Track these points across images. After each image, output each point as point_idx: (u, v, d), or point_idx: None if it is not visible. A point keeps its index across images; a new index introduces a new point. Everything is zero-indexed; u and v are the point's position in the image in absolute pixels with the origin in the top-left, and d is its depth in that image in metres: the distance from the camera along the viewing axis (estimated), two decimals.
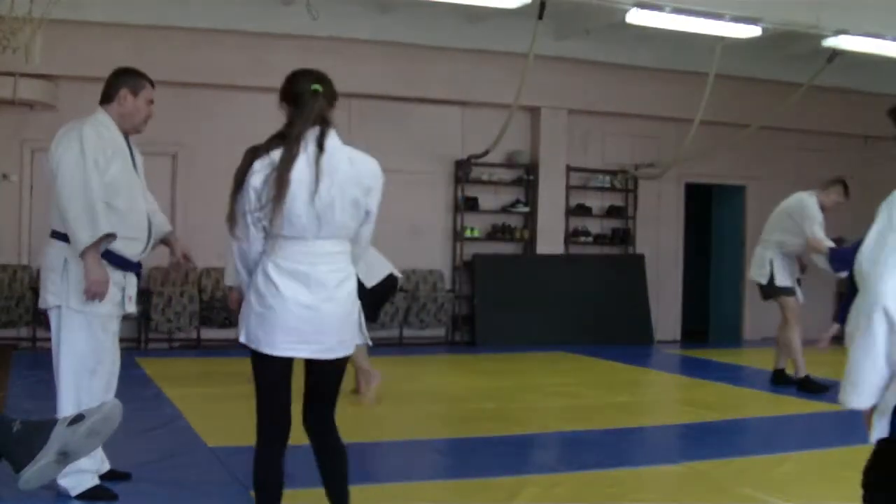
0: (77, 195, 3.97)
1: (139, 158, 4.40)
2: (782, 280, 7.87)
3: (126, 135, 4.29)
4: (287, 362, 3.32)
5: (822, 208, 7.78)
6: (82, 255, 3.99)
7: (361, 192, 3.39)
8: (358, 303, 3.46)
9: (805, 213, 7.74)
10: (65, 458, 2.94)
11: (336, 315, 3.30)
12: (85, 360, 4.09)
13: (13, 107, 9.65)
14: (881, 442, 2.44)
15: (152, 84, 4.37)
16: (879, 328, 2.32)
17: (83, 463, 3.81)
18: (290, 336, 3.25)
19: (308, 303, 3.25)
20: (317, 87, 3.42)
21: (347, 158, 3.39)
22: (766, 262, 7.91)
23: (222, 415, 6.31)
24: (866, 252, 2.41)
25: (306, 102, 3.38)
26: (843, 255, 7.07)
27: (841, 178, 7.95)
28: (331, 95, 3.47)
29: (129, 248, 4.19)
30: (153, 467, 4.73)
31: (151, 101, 4.34)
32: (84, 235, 3.96)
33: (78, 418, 2.96)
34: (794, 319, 7.89)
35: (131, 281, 4.28)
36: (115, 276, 4.16)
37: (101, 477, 4.26)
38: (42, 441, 2.87)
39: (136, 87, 4.27)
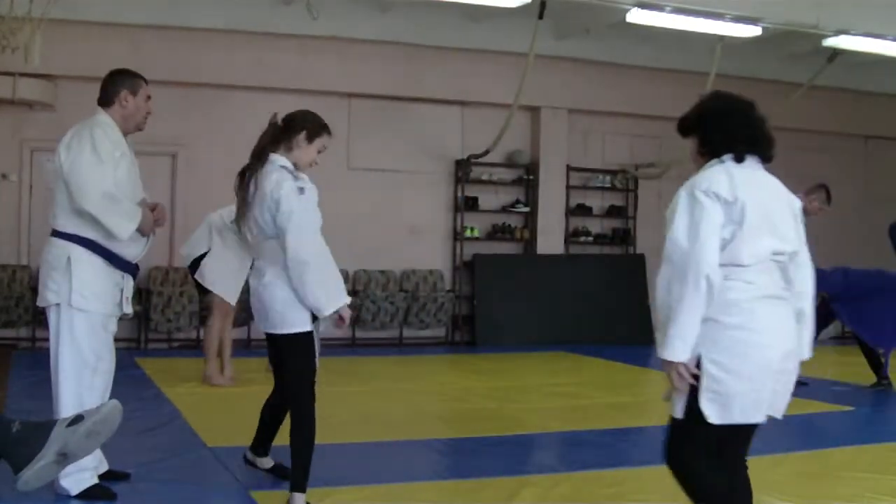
0: (102, 195, 4.02)
1: (136, 161, 4.42)
2: None
3: (125, 136, 4.31)
4: (268, 338, 4.24)
5: (805, 213, 7.71)
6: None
7: (275, 208, 4.00)
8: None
9: None
10: (64, 458, 2.93)
11: (276, 298, 4.05)
12: (87, 358, 4.12)
13: (12, 106, 9.65)
14: (674, 420, 3.07)
15: (146, 80, 4.42)
16: (704, 291, 2.92)
17: (83, 461, 3.81)
18: (259, 318, 4.21)
19: (257, 289, 4.14)
20: (276, 118, 4.18)
21: (275, 180, 4.04)
22: None
23: (222, 415, 6.31)
24: (682, 232, 2.98)
25: (265, 130, 4.16)
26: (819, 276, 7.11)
27: (823, 183, 7.87)
28: (286, 124, 4.17)
29: (128, 249, 4.22)
30: (153, 467, 4.72)
31: (149, 98, 4.39)
32: (124, 229, 4.08)
33: (77, 419, 2.95)
34: None
35: (128, 283, 4.30)
36: (115, 276, 4.21)
37: (100, 477, 4.26)
38: (41, 442, 2.86)
39: (134, 86, 4.31)
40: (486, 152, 11.04)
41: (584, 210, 12.16)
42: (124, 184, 4.17)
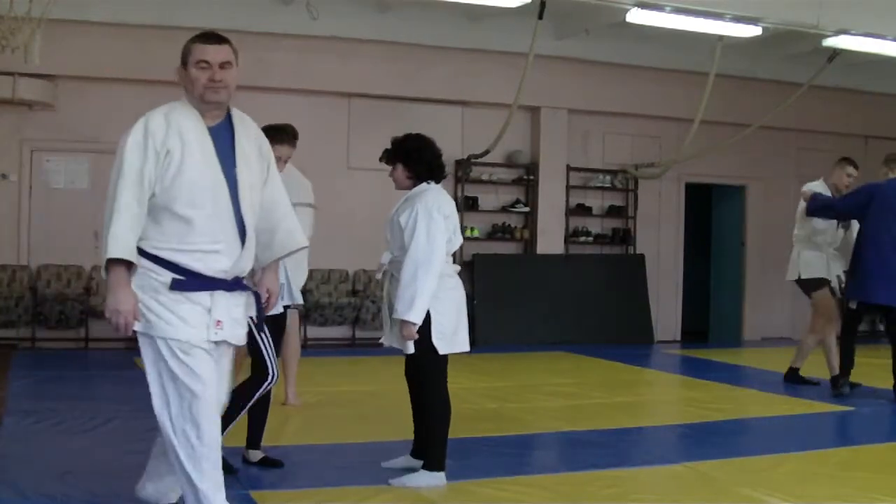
0: (107, 210, 3.33)
1: (249, 148, 3.77)
2: (808, 272, 7.85)
3: (206, 115, 3.65)
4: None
5: (837, 190, 7.95)
6: (106, 270, 3.32)
7: None
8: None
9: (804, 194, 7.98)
10: None
11: None
12: (167, 386, 3.46)
13: (12, 106, 9.65)
14: (410, 356, 4.72)
15: (206, 40, 3.63)
16: (437, 276, 4.48)
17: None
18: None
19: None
20: None
21: None
22: (794, 258, 7.97)
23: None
24: (423, 238, 4.45)
25: None
26: (821, 202, 7.73)
27: (844, 157, 8.31)
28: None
29: (203, 262, 3.38)
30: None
31: (203, 62, 3.56)
32: (103, 251, 3.31)
33: None
34: (823, 316, 7.84)
35: (221, 302, 3.43)
36: (199, 296, 3.39)
37: None
38: None
39: (184, 56, 3.57)
40: (486, 152, 11.04)
41: (583, 210, 12.16)
42: (180, 183, 3.37)
